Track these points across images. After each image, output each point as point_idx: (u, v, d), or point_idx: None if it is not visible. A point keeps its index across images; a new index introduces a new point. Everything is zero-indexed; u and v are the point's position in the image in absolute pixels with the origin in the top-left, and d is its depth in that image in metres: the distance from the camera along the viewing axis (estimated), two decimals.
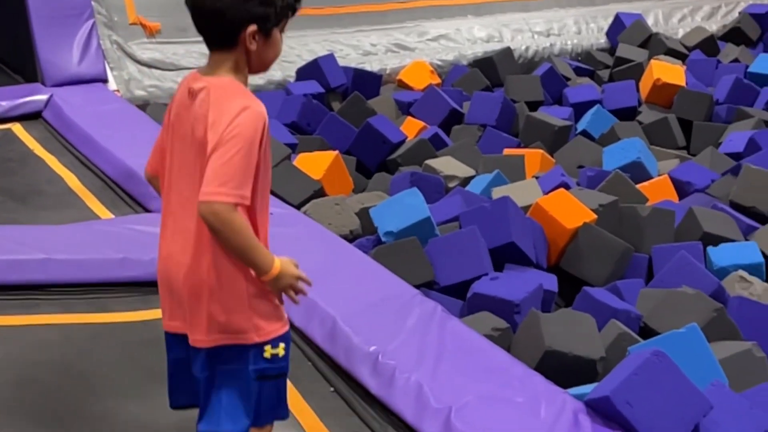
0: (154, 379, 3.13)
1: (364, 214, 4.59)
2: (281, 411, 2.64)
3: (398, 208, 4.29)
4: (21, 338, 3.47)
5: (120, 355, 3.41)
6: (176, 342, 2.52)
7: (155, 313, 2.94)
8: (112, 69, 6.30)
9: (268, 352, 2.49)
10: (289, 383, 3.32)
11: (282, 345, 2.52)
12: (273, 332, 2.48)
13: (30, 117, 5.86)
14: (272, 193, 4.78)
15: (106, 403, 3.14)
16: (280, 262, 2.41)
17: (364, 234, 4.55)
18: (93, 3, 6.34)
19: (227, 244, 2.34)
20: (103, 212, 4.63)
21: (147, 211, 4.58)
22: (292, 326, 3.63)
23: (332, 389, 3.35)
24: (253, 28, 2.35)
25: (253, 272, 2.40)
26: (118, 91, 6.24)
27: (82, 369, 3.33)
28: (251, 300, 2.44)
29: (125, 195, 4.80)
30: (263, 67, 2.46)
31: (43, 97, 5.95)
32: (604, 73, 7.48)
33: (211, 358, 2.47)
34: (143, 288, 3.75)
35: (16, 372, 3.27)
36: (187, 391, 2.58)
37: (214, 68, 2.40)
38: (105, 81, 6.27)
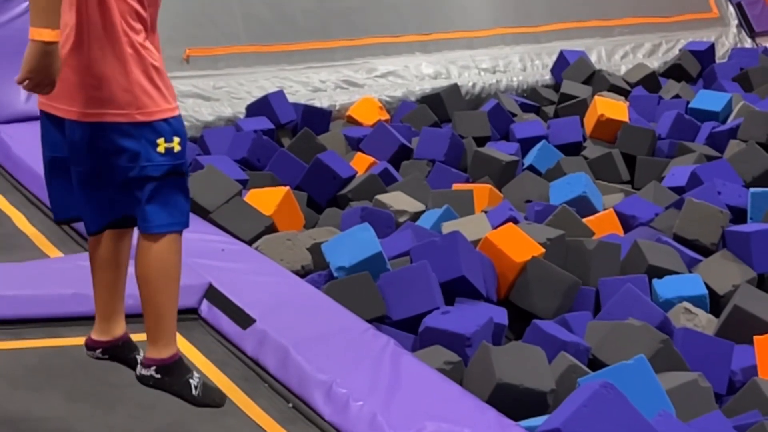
0: (111, 386, 3.16)
1: (315, 250, 4.61)
2: (181, 218, 2.62)
3: (350, 243, 4.33)
4: None
5: (72, 367, 3.39)
6: (53, 127, 2.52)
7: None
8: None
9: (162, 145, 2.44)
10: (246, 398, 3.39)
11: (177, 139, 2.47)
12: (159, 112, 2.44)
13: None
14: (223, 229, 4.81)
15: (57, 407, 3.17)
16: (57, 41, 2.31)
17: (316, 269, 4.57)
18: None
19: None
20: (53, 251, 4.60)
21: None
22: (245, 355, 3.68)
23: (290, 405, 3.40)
24: None
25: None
26: None
27: (33, 382, 3.34)
28: (129, 65, 2.41)
29: (74, 233, 4.77)
30: None
31: None
32: (550, 109, 7.60)
33: (93, 139, 2.43)
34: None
35: None
36: (69, 204, 2.59)
37: None
38: None
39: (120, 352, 3.13)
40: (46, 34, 2.31)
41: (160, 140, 2.45)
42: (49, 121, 2.58)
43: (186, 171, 2.58)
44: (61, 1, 2.33)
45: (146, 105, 2.44)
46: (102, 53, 2.43)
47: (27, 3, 6.42)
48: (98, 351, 3.14)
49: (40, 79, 2.37)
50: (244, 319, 3.79)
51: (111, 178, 2.55)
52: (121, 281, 2.99)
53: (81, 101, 2.46)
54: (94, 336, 3.13)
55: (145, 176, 2.51)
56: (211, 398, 3.12)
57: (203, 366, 3.62)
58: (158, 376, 3.00)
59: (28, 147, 5.65)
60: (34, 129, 5.91)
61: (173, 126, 2.47)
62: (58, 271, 4.11)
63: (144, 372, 3.01)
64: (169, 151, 2.47)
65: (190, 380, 3.07)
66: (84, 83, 2.44)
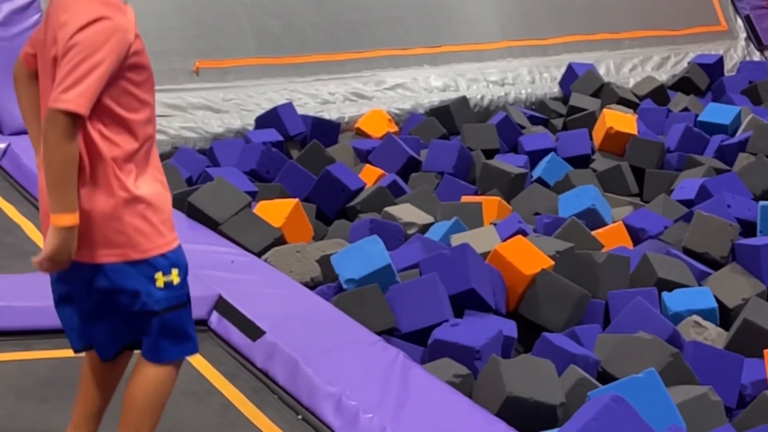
0: (119, 398, 3.12)
1: (324, 262, 4.62)
2: (188, 346, 2.56)
3: (359, 256, 4.33)
4: None
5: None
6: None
7: None
8: None
9: (161, 280, 2.42)
10: (255, 408, 3.38)
11: (175, 271, 2.44)
12: (154, 249, 2.41)
13: None
14: (233, 240, 4.82)
15: (66, 418, 3.10)
16: (77, 222, 2.33)
17: (325, 281, 4.57)
18: None
19: (48, 157, 2.30)
20: None
21: None
22: (255, 366, 3.68)
23: (300, 417, 3.40)
24: None
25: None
26: None
27: (41, 393, 3.34)
28: (120, 209, 2.39)
29: None
30: None
31: (1, 145, 5.92)
32: (558, 122, 7.61)
33: (93, 279, 2.41)
34: None
35: None
36: (82, 333, 2.54)
37: None
38: None
39: None
40: (67, 219, 2.33)
41: (158, 275, 2.43)
42: None
43: (187, 301, 2.53)
44: (75, 185, 2.34)
45: (141, 243, 2.42)
46: (92, 199, 2.42)
47: (38, 15, 6.49)
48: None
49: (59, 259, 2.38)
50: (253, 331, 3.80)
51: (114, 312, 2.52)
52: (107, 395, 2.80)
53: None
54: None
55: (147, 311, 2.49)
56: None
57: (212, 377, 3.63)
58: None
59: None
60: None
61: (170, 259, 2.45)
62: None
63: None
64: (168, 284, 2.44)
65: None
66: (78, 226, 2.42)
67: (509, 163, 6.29)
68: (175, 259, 2.45)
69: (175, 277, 2.44)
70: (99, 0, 2.36)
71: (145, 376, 2.57)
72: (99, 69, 2.30)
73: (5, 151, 5.89)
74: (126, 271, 2.42)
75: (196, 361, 3.71)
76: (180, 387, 3.42)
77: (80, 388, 2.79)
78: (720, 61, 8.68)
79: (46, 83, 2.46)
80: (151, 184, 2.50)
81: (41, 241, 4.78)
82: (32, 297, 3.91)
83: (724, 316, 4.57)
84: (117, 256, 2.42)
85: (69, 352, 3.41)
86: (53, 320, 3.80)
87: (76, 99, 2.28)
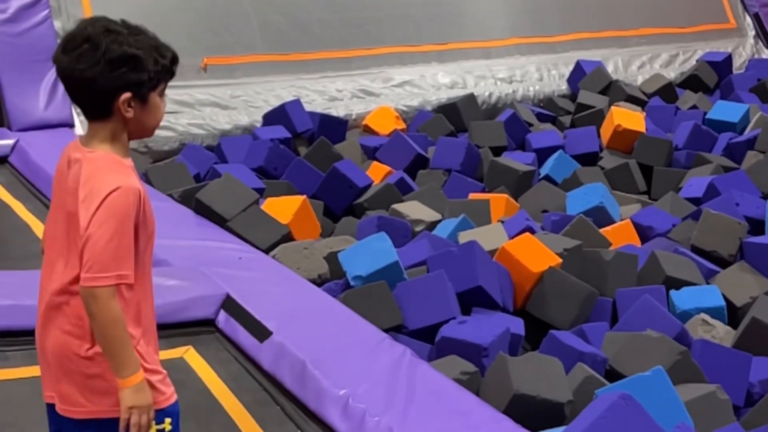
0: None
1: (332, 259, 4.62)
2: None
3: (366, 253, 4.32)
4: None
5: None
6: (53, 414, 2.44)
7: None
8: (78, 114, 6.31)
9: (153, 429, 2.37)
10: (255, 424, 3.36)
11: (168, 420, 2.42)
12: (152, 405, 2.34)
13: None
14: (240, 237, 4.82)
15: None
16: (143, 376, 2.31)
17: (332, 278, 4.57)
18: None
19: (100, 331, 2.27)
20: None
21: None
22: (261, 369, 3.67)
23: None
24: (126, 95, 2.26)
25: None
26: None
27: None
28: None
29: None
30: (145, 133, 2.37)
31: (9, 141, 5.94)
32: (566, 119, 7.59)
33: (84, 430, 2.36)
34: None
35: None
36: None
37: (90, 138, 2.33)
38: (71, 126, 6.28)
39: None
40: (136, 378, 2.30)
41: (151, 424, 2.38)
42: (49, 406, 2.54)
43: None
44: (131, 343, 2.31)
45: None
46: (80, 344, 2.36)
47: (46, 11, 6.49)
48: None
49: (139, 411, 2.32)
50: (260, 332, 3.79)
51: None
52: None
53: (66, 398, 2.39)
54: None
55: None
56: None
57: (217, 389, 3.58)
58: None
59: (46, 154, 5.69)
60: (53, 137, 6.01)
61: (166, 411, 2.43)
62: None
63: None
64: None
65: None
66: (70, 378, 2.37)
67: (517, 161, 6.28)
68: (169, 411, 2.45)
69: (167, 425, 2.44)
70: (114, 166, 2.31)
71: None
72: (126, 236, 2.26)
73: (14, 147, 5.90)
74: (117, 422, 2.37)
75: (202, 369, 3.68)
76: (185, 401, 3.38)
77: None
78: (728, 59, 8.66)
79: (58, 215, 2.40)
80: (154, 344, 2.46)
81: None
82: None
83: (732, 314, 4.55)
84: (110, 413, 2.37)
85: None
86: None
87: (116, 272, 2.23)
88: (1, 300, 3.84)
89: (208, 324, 3.95)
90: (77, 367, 2.35)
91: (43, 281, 2.43)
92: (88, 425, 2.39)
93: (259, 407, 3.49)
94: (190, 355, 3.78)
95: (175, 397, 2.46)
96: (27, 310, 3.78)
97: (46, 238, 2.46)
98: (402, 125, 7.14)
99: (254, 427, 3.39)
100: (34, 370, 3.54)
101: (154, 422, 2.38)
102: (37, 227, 4.99)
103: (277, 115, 6.68)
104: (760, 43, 9.47)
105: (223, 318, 3.96)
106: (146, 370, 2.37)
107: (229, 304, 3.99)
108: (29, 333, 3.67)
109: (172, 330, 3.82)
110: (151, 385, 2.39)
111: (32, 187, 5.49)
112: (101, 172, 2.27)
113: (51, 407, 2.45)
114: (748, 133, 6.85)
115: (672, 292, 4.54)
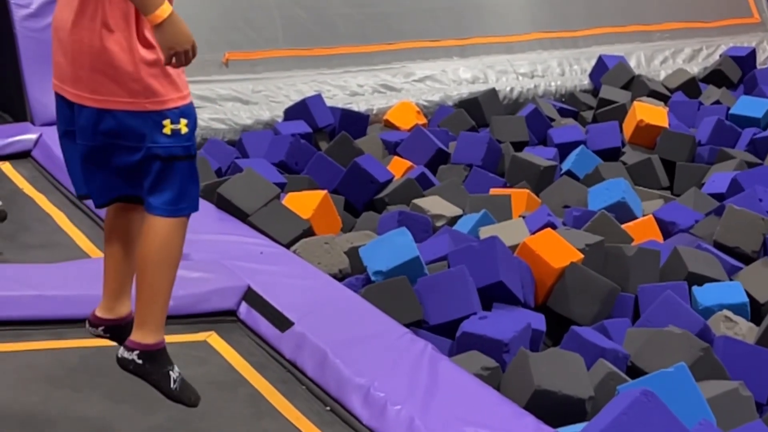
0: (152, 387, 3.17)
1: (353, 253, 4.62)
2: (189, 203, 2.57)
3: (387, 248, 4.32)
4: (11, 361, 3.53)
5: (114, 367, 3.41)
6: (65, 106, 2.51)
7: None
8: None
9: (168, 127, 2.42)
10: (284, 399, 3.39)
11: (184, 121, 2.43)
12: (170, 101, 2.41)
13: (19, 156, 5.88)
14: (262, 232, 4.83)
15: (97, 407, 3.22)
16: (172, 10, 2.34)
17: (353, 273, 4.58)
18: None
19: None
20: (93, 251, 4.64)
21: None
22: (283, 357, 3.69)
23: (328, 408, 3.41)
24: None
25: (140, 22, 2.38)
26: None
27: (74, 382, 3.38)
28: (141, 62, 2.39)
29: None
30: None
31: (33, 136, 5.97)
32: (588, 114, 7.56)
33: (99, 122, 2.43)
34: None
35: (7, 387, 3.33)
36: (83, 181, 2.59)
37: None
38: None
39: (122, 332, 3.01)
40: (162, 12, 2.34)
41: (166, 122, 2.42)
42: (61, 100, 2.59)
43: (193, 154, 2.53)
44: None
45: (155, 95, 2.42)
46: (111, 38, 2.43)
47: None
48: (100, 328, 3.05)
49: (182, 48, 2.36)
50: (282, 322, 3.81)
51: (116, 157, 2.53)
52: (130, 257, 2.87)
53: (88, 87, 2.45)
54: (99, 313, 3.04)
55: (151, 156, 2.48)
56: (186, 395, 2.94)
57: (241, 367, 3.65)
58: (140, 361, 2.86)
59: None
60: None
61: (181, 110, 2.45)
62: (98, 272, 4.12)
63: (126, 355, 2.86)
64: (175, 132, 2.43)
65: (171, 372, 2.90)
66: (93, 68, 2.42)
67: (538, 156, 6.26)
68: (186, 110, 2.46)
69: (183, 126, 2.45)
70: None
71: (149, 233, 2.59)
72: None
73: (37, 141, 5.93)
74: (135, 115, 2.42)
75: (225, 351, 3.73)
76: (208, 377, 3.46)
77: (105, 250, 2.91)
78: (752, 54, 8.60)
79: None
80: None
81: (72, 231, 4.87)
82: (64, 286, 3.95)
83: (755, 310, 4.53)
84: (130, 104, 2.42)
85: (101, 342, 3.47)
86: (85, 309, 3.85)
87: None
88: (26, 290, 3.86)
89: (230, 314, 3.97)
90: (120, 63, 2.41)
91: None
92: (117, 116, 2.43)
93: (284, 384, 3.54)
94: (213, 339, 3.83)
95: (190, 99, 2.48)
96: (50, 301, 3.83)
97: None
98: (423, 120, 7.13)
99: (281, 399, 3.43)
100: (55, 343, 3.66)
101: (169, 120, 2.40)
102: (60, 219, 5.04)
103: (298, 110, 6.69)
104: None
105: (244, 309, 3.98)
106: (159, 63, 2.38)
107: (250, 296, 4.01)
108: (52, 322, 3.77)
109: (194, 319, 3.87)
110: (164, 71, 2.41)
111: (55, 180, 5.53)
112: None
113: (65, 105, 2.48)
114: None
115: (694, 288, 4.51)
